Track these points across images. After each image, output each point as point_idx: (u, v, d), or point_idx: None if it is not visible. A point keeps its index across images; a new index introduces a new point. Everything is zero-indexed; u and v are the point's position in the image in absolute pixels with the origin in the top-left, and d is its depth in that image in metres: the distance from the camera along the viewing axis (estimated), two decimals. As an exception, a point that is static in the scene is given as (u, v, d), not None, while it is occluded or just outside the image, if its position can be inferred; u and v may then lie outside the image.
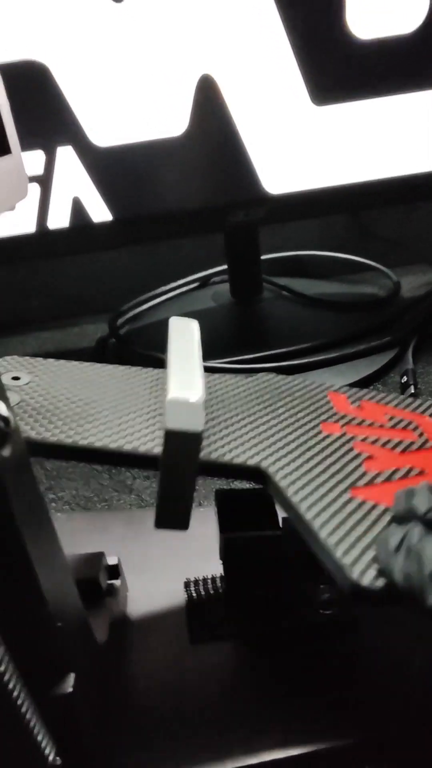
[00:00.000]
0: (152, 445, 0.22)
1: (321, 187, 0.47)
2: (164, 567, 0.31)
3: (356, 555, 0.17)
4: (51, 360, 0.29)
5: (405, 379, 0.43)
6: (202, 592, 0.29)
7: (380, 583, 0.16)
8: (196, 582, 0.29)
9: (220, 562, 0.26)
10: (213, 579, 0.29)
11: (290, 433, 0.24)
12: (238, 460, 0.22)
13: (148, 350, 0.51)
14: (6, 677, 0.16)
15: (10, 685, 0.16)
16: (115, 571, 0.28)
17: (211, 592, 0.29)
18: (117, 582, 0.28)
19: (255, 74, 0.44)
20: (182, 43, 0.42)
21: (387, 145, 0.47)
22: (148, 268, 0.67)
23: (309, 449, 0.23)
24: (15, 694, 0.16)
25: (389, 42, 0.44)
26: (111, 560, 0.28)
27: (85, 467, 0.41)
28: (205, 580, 0.29)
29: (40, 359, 0.29)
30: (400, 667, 0.25)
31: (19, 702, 0.17)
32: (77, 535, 0.35)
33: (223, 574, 0.29)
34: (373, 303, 0.55)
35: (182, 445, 0.19)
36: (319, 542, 0.18)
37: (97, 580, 0.26)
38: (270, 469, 0.21)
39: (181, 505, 0.20)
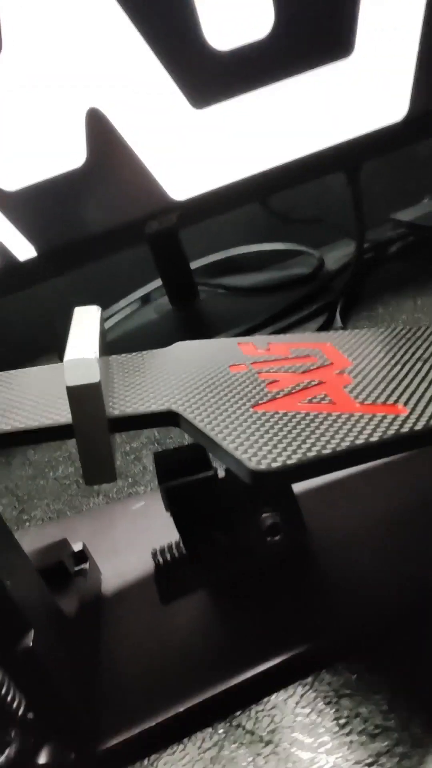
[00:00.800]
0: (59, 417, 0.24)
1: (223, 184, 0.51)
2: (133, 547, 0.33)
3: (254, 450, 0.19)
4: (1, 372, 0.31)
5: (297, 333, 0.46)
6: (168, 557, 0.30)
7: (276, 465, 0.18)
8: (162, 550, 0.31)
9: None
10: (177, 543, 0.31)
11: (198, 379, 0.26)
12: (149, 409, 0.24)
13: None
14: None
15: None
16: (82, 556, 0.30)
17: (176, 554, 0.30)
18: (86, 565, 0.30)
19: (135, 96, 0.47)
20: (63, 84, 0.46)
21: (270, 133, 0.50)
22: (91, 299, 0.70)
23: (215, 387, 0.25)
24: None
25: (247, 48, 0.48)
26: (76, 547, 0.30)
27: (54, 484, 0.43)
28: (169, 546, 0.31)
29: None
30: (347, 572, 0.26)
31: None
32: (49, 541, 0.36)
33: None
34: (300, 280, 0.58)
35: (85, 399, 0.21)
36: (222, 449, 0.20)
37: (62, 563, 0.28)
38: (179, 408, 0.23)
39: (101, 456, 0.22)
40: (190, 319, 0.58)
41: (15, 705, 0.20)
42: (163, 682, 0.25)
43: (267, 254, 0.68)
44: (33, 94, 0.46)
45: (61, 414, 0.24)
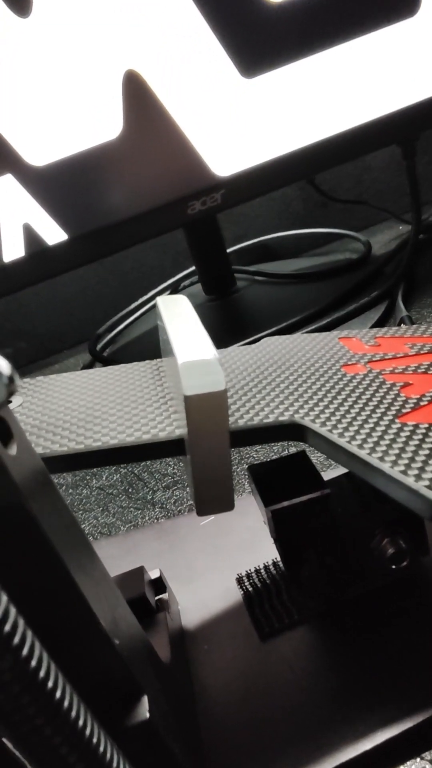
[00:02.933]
0: (172, 428, 0.20)
1: (271, 158, 0.46)
2: (208, 570, 0.29)
3: (429, 476, 0.15)
4: (40, 377, 0.27)
5: (404, 326, 0.42)
6: (258, 584, 0.26)
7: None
8: (248, 575, 0.27)
9: (265, 550, 0.24)
10: (266, 567, 0.27)
11: (314, 383, 0.22)
12: (269, 420, 0.20)
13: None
14: (73, 711, 0.13)
15: (86, 725, 0.13)
16: (160, 585, 0.26)
17: (268, 581, 0.26)
18: (165, 596, 0.26)
19: (179, 60, 0.43)
20: (99, 44, 0.41)
21: (323, 103, 0.46)
22: (116, 289, 0.65)
23: (339, 392, 0.21)
24: (91, 734, 0.14)
25: (301, 3, 0.43)
26: (153, 574, 0.26)
27: (99, 494, 0.39)
28: (257, 571, 0.27)
29: (27, 379, 0.26)
30: None
31: (93, 738, 0.14)
32: (107, 561, 0.32)
33: (275, 560, 0.27)
34: (348, 266, 0.54)
35: (208, 410, 0.17)
36: (385, 475, 0.16)
37: (143, 596, 0.24)
38: (306, 421, 0.19)
39: (221, 482, 0.18)
40: (229, 309, 0.54)
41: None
42: (270, 743, 0.21)
43: (304, 240, 0.63)
44: (63, 54, 0.41)
45: (161, 429, 0.20)
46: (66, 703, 0.13)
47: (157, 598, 0.25)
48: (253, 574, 0.27)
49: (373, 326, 0.44)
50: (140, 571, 0.25)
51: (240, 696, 0.23)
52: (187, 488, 0.37)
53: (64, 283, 0.59)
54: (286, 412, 0.20)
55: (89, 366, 0.56)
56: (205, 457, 0.17)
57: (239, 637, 0.25)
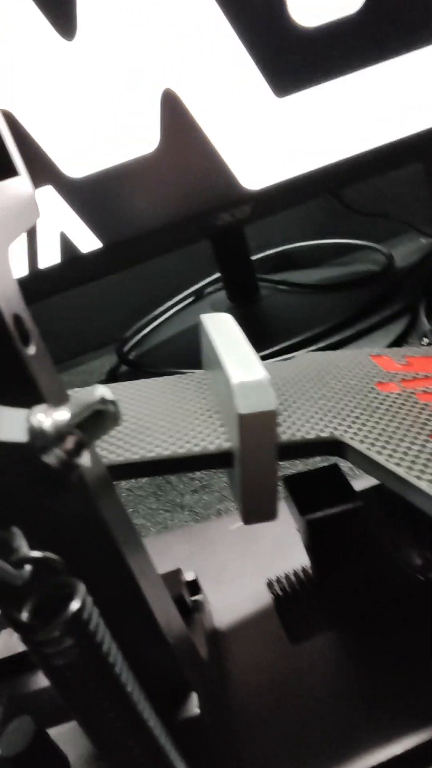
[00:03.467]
0: (219, 441, 0.21)
1: (299, 173, 0.48)
2: (239, 574, 0.30)
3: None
4: (82, 389, 0.28)
5: (426, 340, 0.43)
6: (288, 589, 0.28)
7: None
8: (278, 580, 0.28)
9: (294, 556, 0.25)
10: (295, 573, 0.28)
11: (350, 401, 0.23)
12: (311, 436, 0.21)
13: (160, 369, 0.50)
14: (143, 709, 0.15)
15: (148, 717, 0.15)
16: (195, 587, 0.27)
17: (297, 587, 0.28)
18: (200, 597, 0.27)
19: (215, 79, 0.44)
20: (139, 65, 0.43)
21: (353, 123, 0.47)
22: (141, 294, 0.67)
23: (375, 411, 0.22)
24: (152, 726, 0.15)
25: (335, 25, 0.44)
26: (188, 576, 0.27)
27: (128, 495, 0.40)
28: (287, 576, 0.28)
29: (69, 390, 0.28)
30: None
31: (156, 732, 0.16)
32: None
33: (304, 566, 0.28)
34: (371, 278, 0.55)
35: (259, 428, 0.18)
36: (422, 493, 0.17)
37: (182, 597, 0.25)
38: (345, 437, 0.20)
39: (267, 493, 0.19)
40: (253, 316, 0.55)
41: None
42: (301, 744, 0.22)
43: (326, 250, 0.64)
44: (105, 74, 0.43)
45: (210, 441, 0.21)
46: (133, 697, 0.15)
47: (192, 599, 0.27)
48: (283, 579, 0.28)
49: (396, 339, 0.45)
50: (177, 573, 0.26)
51: (271, 695, 0.24)
52: (216, 493, 0.38)
53: (90, 286, 0.60)
54: (326, 429, 0.21)
55: (116, 368, 0.57)
56: (255, 471, 0.19)
57: (269, 639, 0.26)
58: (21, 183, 0.20)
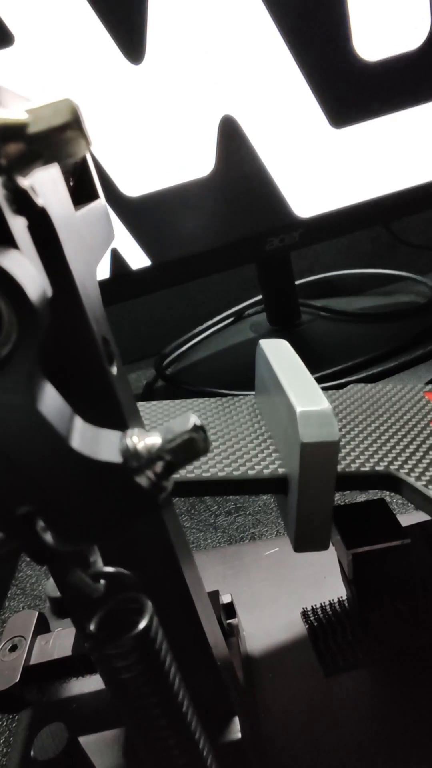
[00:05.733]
0: (274, 467, 0.21)
1: (350, 204, 0.48)
2: (273, 600, 0.30)
3: None
4: (142, 402, 0.28)
5: None
6: (324, 620, 0.27)
7: None
8: (314, 610, 0.28)
9: (329, 587, 0.24)
10: (331, 605, 0.28)
11: (405, 436, 0.23)
12: (366, 469, 0.21)
13: (197, 386, 0.51)
14: (192, 723, 0.15)
15: (199, 738, 0.15)
16: (231, 610, 0.27)
17: (333, 618, 0.27)
18: (235, 621, 0.27)
19: (273, 107, 0.45)
20: (200, 90, 0.44)
21: (407, 157, 0.47)
22: (182, 311, 0.67)
23: (431, 448, 0.22)
24: (202, 746, 0.15)
25: (397, 60, 0.45)
26: (225, 598, 0.27)
27: (162, 511, 0.41)
28: (323, 607, 0.28)
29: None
30: None
31: (202, 749, 0.16)
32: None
33: (340, 598, 0.28)
34: (415, 310, 0.55)
35: (320, 458, 0.18)
36: None
37: (219, 619, 0.25)
38: (401, 473, 0.20)
39: (322, 522, 0.19)
40: (295, 341, 0.55)
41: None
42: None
43: (369, 279, 0.65)
44: (168, 98, 0.44)
45: (264, 466, 0.21)
46: (187, 715, 0.15)
47: (227, 622, 0.27)
48: (319, 610, 0.28)
49: (440, 374, 0.45)
50: (215, 595, 0.26)
51: (303, 726, 0.24)
52: (250, 516, 0.38)
53: (132, 302, 0.61)
54: (381, 463, 0.21)
55: (152, 382, 0.58)
56: (311, 499, 0.19)
57: (304, 670, 0.26)
58: (101, 205, 0.21)
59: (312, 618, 0.28)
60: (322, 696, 0.24)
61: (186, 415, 0.11)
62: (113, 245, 0.47)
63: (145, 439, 0.11)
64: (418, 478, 0.20)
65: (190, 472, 0.21)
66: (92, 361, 0.13)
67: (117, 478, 0.11)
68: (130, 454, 0.11)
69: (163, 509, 0.15)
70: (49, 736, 0.19)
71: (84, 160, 0.20)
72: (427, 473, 0.20)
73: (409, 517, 0.29)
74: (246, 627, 0.28)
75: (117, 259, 0.48)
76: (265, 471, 0.21)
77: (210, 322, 0.63)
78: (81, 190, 0.20)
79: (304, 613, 0.28)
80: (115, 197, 0.46)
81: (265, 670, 0.26)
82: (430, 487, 0.20)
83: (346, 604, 0.28)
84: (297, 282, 0.59)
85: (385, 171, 0.48)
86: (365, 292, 0.64)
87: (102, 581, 0.13)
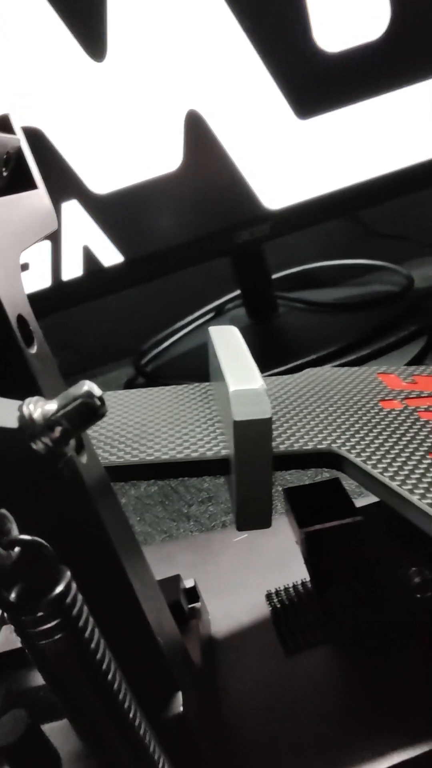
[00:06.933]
0: (218, 449, 0.22)
1: (319, 194, 0.48)
2: (239, 585, 0.30)
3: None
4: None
5: None
6: (287, 602, 0.28)
7: None
8: (277, 593, 0.28)
9: (294, 570, 0.25)
10: (294, 587, 0.28)
11: (352, 415, 0.23)
12: (308, 447, 0.21)
13: (176, 381, 0.51)
14: (126, 701, 0.15)
15: (131, 710, 0.15)
16: (194, 594, 0.27)
17: (296, 600, 0.28)
18: (198, 605, 0.27)
19: (238, 100, 0.45)
20: (164, 86, 0.45)
21: (374, 146, 0.48)
22: (160, 309, 0.68)
23: (375, 426, 0.22)
24: (135, 719, 0.16)
25: (358, 50, 0.46)
26: (187, 583, 0.28)
27: (137, 503, 0.41)
28: (286, 589, 0.28)
29: None
30: None
31: (140, 726, 0.16)
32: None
33: (303, 580, 0.28)
34: (389, 299, 0.55)
35: (254, 435, 0.19)
36: (415, 507, 0.17)
37: (179, 602, 0.25)
38: (343, 450, 0.21)
39: (262, 501, 0.20)
40: (272, 334, 0.56)
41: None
42: (289, 754, 0.22)
43: (345, 270, 0.65)
44: (132, 95, 0.45)
45: (208, 448, 0.22)
46: (117, 688, 0.15)
47: (190, 606, 0.27)
48: (282, 592, 0.28)
49: (411, 361, 0.45)
50: (176, 579, 0.27)
51: (263, 704, 0.24)
52: (221, 504, 0.38)
53: (111, 299, 0.62)
54: (324, 441, 0.21)
55: (133, 379, 0.58)
56: (249, 478, 0.19)
57: (265, 650, 0.26)
58: (38, 196, 0.21)
59: (275, 600, 0.28)
60: (282, 674, 0.25)
61: (81, 382, 0.11)
62: (84, 243, 0.48)
63: (43, 406, 0.11)
64: (358, 455, 0.20)
65: (134, 456, 0.21)
66: (6, 340, 0.14)
67: (13, 444, 0.11)
68: (25, 421, 0.11)
69: (71, 479, 0.15)
70: (10, 721, 0.20)
71: (19, 151, 0.20)
72: (368, 450, 0.21)
73: (370, 498, 0.29)
74: (212, 611, 0.29)
75: (89, 257, 0.48)
76: (209, 453, 0.21)
77: (190, 318, 0.63)
78: (18, 180, 0.20)
79: (269, 596, 0.28)
80: (83, 194, 0.46)
81: (229, 652, 0.27)
82: (369, 462, 0.20)
83: (309, 585, 0.28)
84: (274, 276, 0.59)
85: (353, 160, 0.48)
86: (343, 284, 0.64)
87: (16, 549, 0.13)
